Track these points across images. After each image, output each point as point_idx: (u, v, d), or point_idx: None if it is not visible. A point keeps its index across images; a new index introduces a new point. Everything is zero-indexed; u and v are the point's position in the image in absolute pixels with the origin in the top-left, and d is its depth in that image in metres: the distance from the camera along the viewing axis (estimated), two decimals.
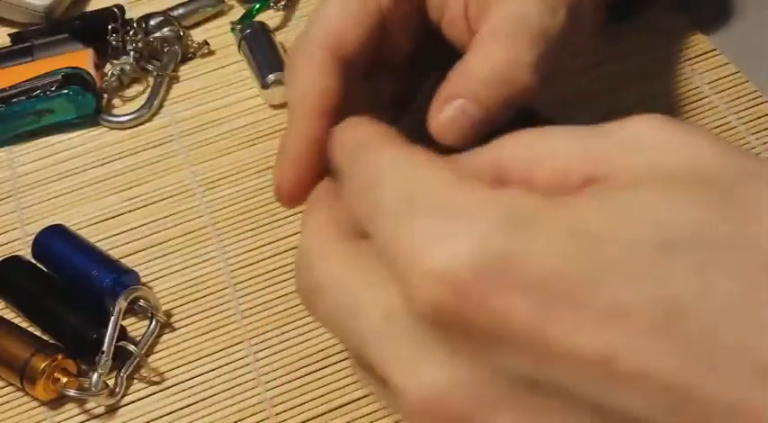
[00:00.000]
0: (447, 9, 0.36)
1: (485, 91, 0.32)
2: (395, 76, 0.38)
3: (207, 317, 0.46)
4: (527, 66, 0.32)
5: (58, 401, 0.43)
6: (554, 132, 0.25)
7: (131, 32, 0.58)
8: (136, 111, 0.55)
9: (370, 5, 0.34)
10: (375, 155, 0.26)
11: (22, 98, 0.54)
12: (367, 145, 0.27)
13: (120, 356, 0.43)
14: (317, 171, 0.32)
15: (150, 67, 0.58)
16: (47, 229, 0.48)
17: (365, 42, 0.34)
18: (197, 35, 0.59)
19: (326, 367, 0.43)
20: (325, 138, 0.31)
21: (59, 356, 0.43)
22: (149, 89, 0.57)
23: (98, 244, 0.48)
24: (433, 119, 0.32)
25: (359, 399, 0.42)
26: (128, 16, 0.59)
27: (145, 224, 0.50)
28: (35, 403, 0.44)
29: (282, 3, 0.60)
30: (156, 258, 0.49)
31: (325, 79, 0.33)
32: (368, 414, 0.42)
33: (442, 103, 0.32)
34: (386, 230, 0.24)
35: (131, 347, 0.44)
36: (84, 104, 0.54)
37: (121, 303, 0.44)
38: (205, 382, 0.44)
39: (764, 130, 0.50)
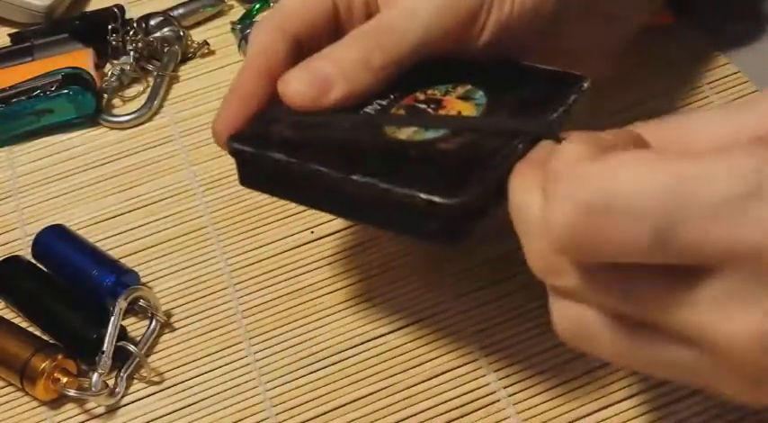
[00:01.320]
0: None
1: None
2: None
3: (207, 317, 0.46)
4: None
5: (58, 401, 0.43)
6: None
7: (131, 32, 0.58)
8: (136, 111, 0.55)
9: None
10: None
11: (22, 98, 0.54)
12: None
13: (120, 356, 0.43)
14: (246, 117, 0.38)
15: (150, 67, 0.58)
16: (47, 229, 0.48)
17: (317, 25, 0.39)
18: (197, 35, 0.59)
19: (326, 367, 0.43)
20: (260, 93, 0.38)
21: (59, 356, 0.43)
22: (149, 89, 0.57)
23: (98, 244, 0.48)
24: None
25: (359, 399, 0.42)
26: (128, 16, 0.59)
27: (145, 224, 0.50)
28: (35, 403, 0.44)
29: None
30: (156, 258, 0.49)
31: (271, 43, 0.38)
32: (368, 414, 0.42)
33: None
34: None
35: (131, 347, 0.44)
36: (84, 104, 0.54)
37: (121, 303, 0.44)
38: (205, 382, 0.44)
39: None
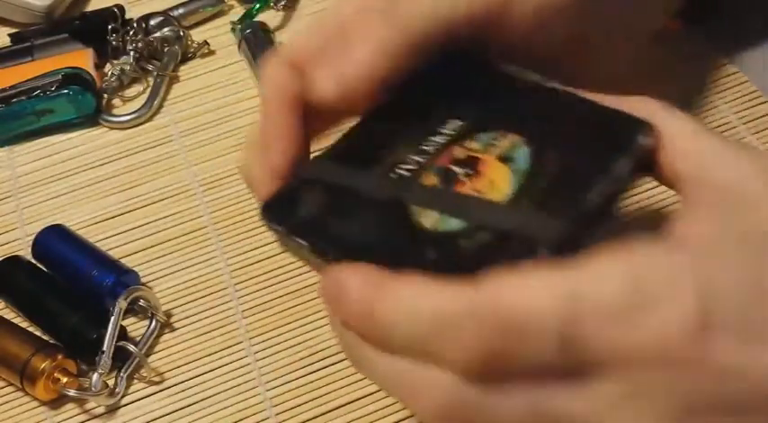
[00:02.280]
0: None
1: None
2: None
3: (207, 317, 0.46)
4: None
5: (58, 401, 0.43)
6: None
7: (131, 32, 0.58)
8: (136, 111, 0.55)
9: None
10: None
11: (22, 98, 0.54)
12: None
13: (120, 356, 0.43)
14: (287, 157, 0.35)
15: (150, 67, 0.58)
16: (47, 229, 0.48)
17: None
18: (197, 35, 0.59)
19: (326, 367, 0.43)
20: (290, 125, 0.35)
21: (59, 356, 0.43)
22: (149, 89, 0.57)
23: (98, 244, 0.48)
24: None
25: (359, 399, 0.42)
26: (128, 16, 0.59)
27: (145, 224, 0.50)
28: (35, 403, 0.44)
29: (282, 3, 0.60)
30: (156, 258, 0.49)
31: (288, 78, 0.35)
32: (368, 414, 0.42)
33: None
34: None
35: (131, 347, 0.44)
36: (84, 104, 0.54)
37: (121, 303, 0.44)
38: (205, 382, 0.44)
39: (764, 129, 0.50)
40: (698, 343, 0.26)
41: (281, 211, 0.35)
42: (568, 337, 0.27)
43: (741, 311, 0.27)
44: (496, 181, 0.34)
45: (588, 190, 0.32)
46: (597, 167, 0.32)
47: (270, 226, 0.35)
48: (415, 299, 0.29)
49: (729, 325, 0.27)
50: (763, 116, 0.51)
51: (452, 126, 0.35)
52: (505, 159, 0.34)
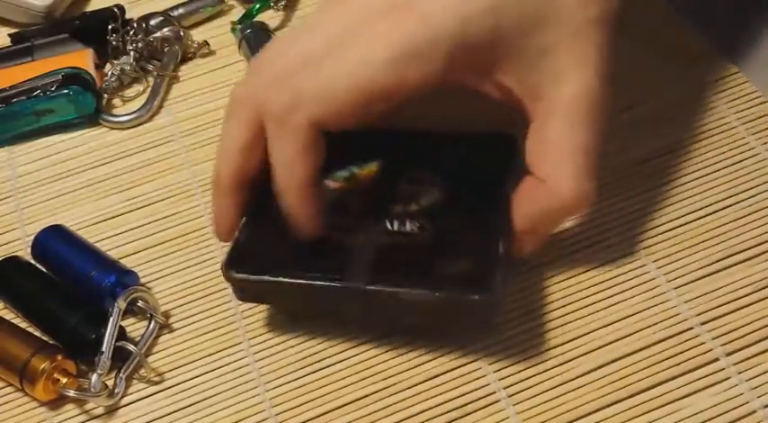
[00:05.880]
0: None
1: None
2: None
3: (207, 317, 0.46)
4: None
5: (57, 402, 0.43)
6: None
7: (131, 32, 0.58)
8: (136, 111, 0.55)
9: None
10: None
11: (22, 98, 0.54)
12: None
13: (120, 357, 0.43)
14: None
15: (150, 67, 0.58)
16: (46, 229, 0.48)
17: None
18: (197, 35, 0.60)
19: (326, 367, 0.43)
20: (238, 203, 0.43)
21: (59, 357, 0.43)
22: (149, 89, 0.57)
23: (98, 244, 0.48)
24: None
25: (359, 399, 0.42)
26: (128, 16, 0.59)
27: (145, 224, 0.50)
28: (35, 403, 0.44)
29: (282, 3, 0.60)
30: (155, 258, 0.49)
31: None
32: (368, 414, 0.42)
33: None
34: None
35: (131, 348, 0.43)
36: (84, 104, 0.54)
37: (120, 304, 0.44)
38: (205, 382, 0.44)
39: (764, 130, 0.50)
40: None
41: (247, 263, 0.42)
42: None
43: None
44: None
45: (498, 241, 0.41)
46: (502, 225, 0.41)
47: (240, 278, 0.42)
48: None
49: None
50: (763, 116, 0.51)
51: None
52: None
